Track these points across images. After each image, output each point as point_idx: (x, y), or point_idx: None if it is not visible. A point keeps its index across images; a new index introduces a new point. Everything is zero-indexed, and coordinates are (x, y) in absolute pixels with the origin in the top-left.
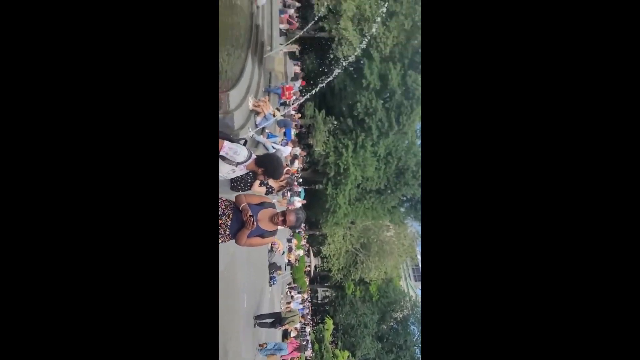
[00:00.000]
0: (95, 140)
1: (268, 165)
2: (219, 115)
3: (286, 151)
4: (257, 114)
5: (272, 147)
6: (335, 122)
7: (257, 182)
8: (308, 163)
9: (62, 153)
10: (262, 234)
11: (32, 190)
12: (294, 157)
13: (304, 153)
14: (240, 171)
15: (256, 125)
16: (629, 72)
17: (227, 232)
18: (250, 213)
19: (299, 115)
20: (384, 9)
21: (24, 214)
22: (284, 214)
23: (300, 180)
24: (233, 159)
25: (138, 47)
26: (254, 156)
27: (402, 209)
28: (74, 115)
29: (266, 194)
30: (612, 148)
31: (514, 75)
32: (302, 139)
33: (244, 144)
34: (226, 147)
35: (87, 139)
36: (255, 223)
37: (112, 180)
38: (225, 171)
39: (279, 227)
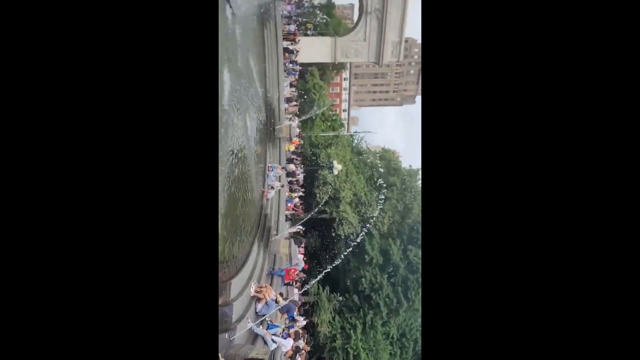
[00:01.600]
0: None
1: None
2: (218, 306)
3: (287, 345)
4: (258, 300)
5: (272, 340)
6: (341, 298)
7: None
8: (313, 347)
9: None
10: None
11: (23, 198)
12: (296, 351)
13: (308, 348)
14: None
15: (256, 314)
16: (613, 82)
17: None
18: None
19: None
20: (379, 197)
21: (18, 217)
22: None
23: None
24: None
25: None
26: None
27: None
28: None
29: None
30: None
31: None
32: (305, 315)
33: None
34: None
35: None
36: None
37: None
38: None
39: None
